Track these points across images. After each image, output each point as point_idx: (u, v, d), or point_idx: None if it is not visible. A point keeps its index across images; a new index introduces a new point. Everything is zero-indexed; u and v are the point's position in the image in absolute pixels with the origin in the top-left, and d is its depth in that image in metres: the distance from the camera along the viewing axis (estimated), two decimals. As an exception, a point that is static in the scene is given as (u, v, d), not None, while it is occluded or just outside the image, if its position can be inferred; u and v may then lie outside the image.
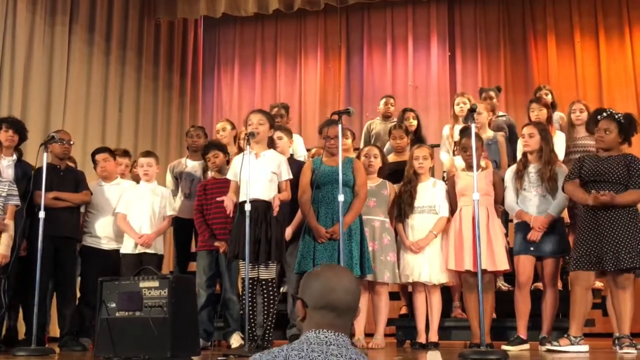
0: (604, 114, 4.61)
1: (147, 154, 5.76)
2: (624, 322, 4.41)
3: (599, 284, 5.44)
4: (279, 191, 4.78)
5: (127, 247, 5.42)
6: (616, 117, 4.57)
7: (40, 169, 5.05)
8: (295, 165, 5.21)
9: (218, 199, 4.92)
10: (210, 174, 5.73)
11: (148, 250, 5.36)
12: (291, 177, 4.86)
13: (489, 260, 4.81)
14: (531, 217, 4.80)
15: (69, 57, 7.82)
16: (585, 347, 4.48)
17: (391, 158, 6.08)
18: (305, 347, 1.78)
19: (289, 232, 5.13)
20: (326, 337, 1.82)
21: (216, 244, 5.21)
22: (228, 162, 5.60)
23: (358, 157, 5.37)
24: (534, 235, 4.76)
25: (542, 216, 4.78)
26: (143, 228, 5.40)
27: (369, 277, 4.99)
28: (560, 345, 4.43)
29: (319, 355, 1.76)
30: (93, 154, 5.90)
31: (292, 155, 5.70)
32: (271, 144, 5.08)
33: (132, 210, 5.45)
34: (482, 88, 7.21)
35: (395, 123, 6.35)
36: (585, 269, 4.40)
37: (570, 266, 4.50)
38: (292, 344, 1.82)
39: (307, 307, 1.88)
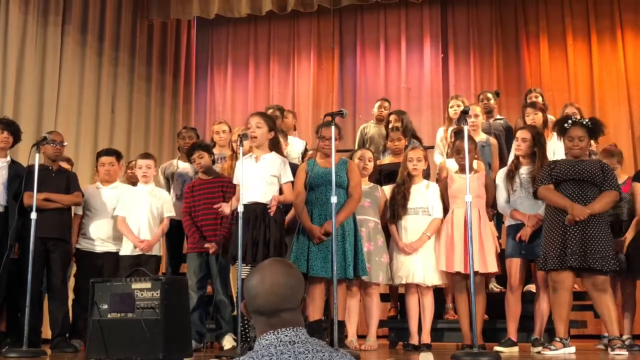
0: (570, 122, 4.67)
1: (146, 155, 5.73)
2: (611, 324, 4.43)
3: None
4: (280, 194, 4.77)
5: (126, 249, 5.41)
6: (584, 122, 4.64)
7: (32, 169, 5.04)
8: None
9: (215, 206, 4.91)
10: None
11: (146, 252, 5.36)
12: (292, 179, 4.86)
13: (480, 262, 4.82)
14: (526, 215, 4.82)
15: (61, 57, 7.78)
16: (573, 349, 4.53)
17: (388, 159, 6.09)
18: (273, 351, 1.75)
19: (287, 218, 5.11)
20: (287, 336, 1.79)
21: (206, 245, 5.20)
22: (214, 163, 5.59)
23: (351, 158, 5.38)
24: (526, 232, 4.77)
25: (534, 214, 4.80)
26: (142, 230, 5.40)
27: (364, 278, 4.99)
28: (557, 349, 4.44)
29: (289, 357, 1.73)
30: (99, 154, 5.88)
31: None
32: (274, 146, 5.01)
33: (131, 213, 5.44)
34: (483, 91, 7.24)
35: (392, 125, 6.33)
36: (565, 268, 4.42)
37: (547, 265, 4.49)
38: (257, 351, 1.78)
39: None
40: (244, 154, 4.77)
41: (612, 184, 4.52)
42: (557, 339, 4.49)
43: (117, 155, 5.86)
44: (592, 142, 5.00)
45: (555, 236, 4.46)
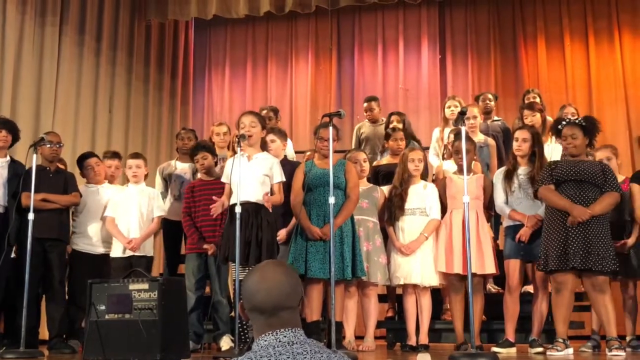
0: (564, 123, 4.68)
1: (136, 155, 5.73)
2: (609, 325, 4.44)
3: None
4: (271, 193, 4.77)
5: (117, 250, 5.40)
6: (577, 121, 4.65)
7: (30, 170, 5.04)
8: (289, 166, 5.21)
9: (214, 197, 4.89)
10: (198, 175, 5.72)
11: (137, 253, 5.34)
12: (284, 179, 4.86)
13: (478, 263, 4.82)
14: (525, 216, 4.82)
15: (59, 57, 7.77)
16: (571, 350, 4.53)
17: (385, 160, 6.09)
18: (272, 352, 1.75)
19: (283, 234, 5.12)
20: (286, 336, 1.78)
21: (205, 246, 5.20)
22: (216, 164, 5.59)
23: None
24: (525, 233, 4.77)
25: (534, 215, 4.79)
26: (131, 230, 5.39)
27: (363, 278, 4.98)
28: (561, 350, 4.44)
29: (288, 358, 1.73)
30: (82, 158, 5.86)
31: (285, 157, 5.68)
32: (263, 146, 5.06)
33: (121, 213, 5.43)
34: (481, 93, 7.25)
35: (394, 125, 6.31)
36: (567, 269, 4.42)
37: (548, 266, 4.49)
38: (255, 352, 1.77)
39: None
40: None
41: (613, 185, 4.51)
42: (560, 340, 4.49)
43: (98, 156, 5.88)
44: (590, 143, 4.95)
45: (556, 237, 4.46)
